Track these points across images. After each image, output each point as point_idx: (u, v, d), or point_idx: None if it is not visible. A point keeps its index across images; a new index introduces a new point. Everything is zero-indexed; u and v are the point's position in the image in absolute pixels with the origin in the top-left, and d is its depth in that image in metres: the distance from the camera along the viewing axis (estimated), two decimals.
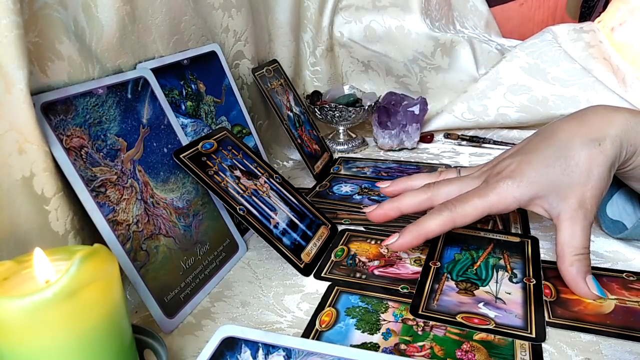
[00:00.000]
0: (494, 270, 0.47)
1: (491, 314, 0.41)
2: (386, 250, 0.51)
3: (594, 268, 0.47)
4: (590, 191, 0.42)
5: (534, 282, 0.45)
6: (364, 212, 0.51)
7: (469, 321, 0.40)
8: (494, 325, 0.40)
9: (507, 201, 0.44)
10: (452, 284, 0.45)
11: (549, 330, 0.40)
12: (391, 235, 0.46)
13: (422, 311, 0.42)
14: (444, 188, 0.48)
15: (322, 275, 0.48)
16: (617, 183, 0.51)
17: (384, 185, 0.54)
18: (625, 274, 0.46)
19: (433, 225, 0.45)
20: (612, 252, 0.50)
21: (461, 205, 0.44)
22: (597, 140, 0.43)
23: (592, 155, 0.42)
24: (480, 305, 0.42)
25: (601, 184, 0.43)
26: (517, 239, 0.52)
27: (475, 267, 0.47)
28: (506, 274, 0.46)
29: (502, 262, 0.48)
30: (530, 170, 0.44)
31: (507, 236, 0.53)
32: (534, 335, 0.39)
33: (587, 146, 0.43)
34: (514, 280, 0.45)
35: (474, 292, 0.44)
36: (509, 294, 0.44)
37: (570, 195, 0.42)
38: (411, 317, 0.41)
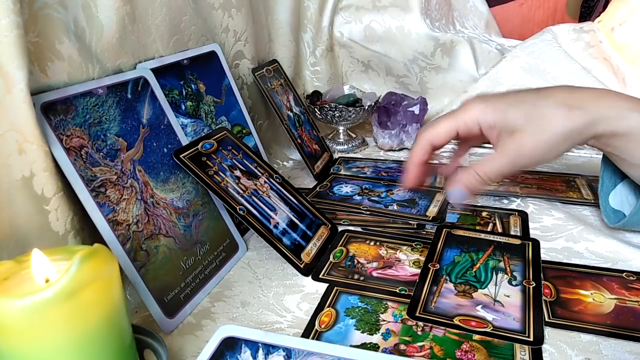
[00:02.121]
0: (494, 273, 0.47)
1: (489, 316, 0.41)
2: (385, 252, 0.51)
3: (594, 268, 0.47)
4: (534, 142, 0.45)
5: (534, 284, 0.45)
6: (365, 213, 0.51)
7: (467, 324, 0.40)
8: (492, 328, 0.40)
9: (470, 113, 0.47)
10: (450, 286, 0.45)
11: (549, 330, 0.40)
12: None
13: (419, 313, 0.42)
14: None
15: (320, 277, 0.48)
16: (622, 173, 0.51)
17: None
18: (625, 273, 0.46)
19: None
20: (612, 252, 0.50)
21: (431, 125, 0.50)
22: (569, 107, 0.45)
23: (556, 115, 0.44)
24: (478, 307, 0.42)
25: (547, 142, 0.45)
26: (517, 241, 0.52)
27: (474, 269, 0.47)
28: (506, 276, 0.46)
29: (502, 264, 0.48)
30: (500, 102, 0.47)
31: (507, 238, 0.52)
32: (531, 339, 0.38)
33: (558, 108, 0.45)
34: (514, 282, 0.45)
35: (473, 294, 0.44)
36: (508, 296, 0.43)
37: (517, 137, 0.45)
38: None
